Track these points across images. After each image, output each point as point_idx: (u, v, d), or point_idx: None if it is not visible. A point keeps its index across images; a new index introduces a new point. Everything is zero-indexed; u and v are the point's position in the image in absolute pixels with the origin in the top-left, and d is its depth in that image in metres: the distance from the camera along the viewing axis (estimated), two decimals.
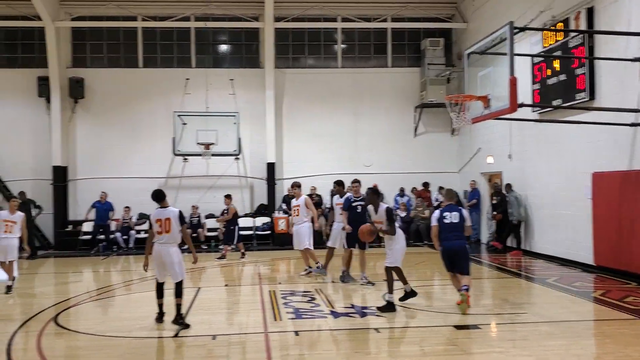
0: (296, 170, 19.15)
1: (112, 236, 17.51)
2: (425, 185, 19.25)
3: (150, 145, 18.94)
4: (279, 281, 11.80)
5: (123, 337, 7.51)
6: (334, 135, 19.58)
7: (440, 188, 18.43)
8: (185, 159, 18.58)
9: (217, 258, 15.11)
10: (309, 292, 10.33)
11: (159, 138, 18.64)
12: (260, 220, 18.43)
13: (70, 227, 18.42)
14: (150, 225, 8.27)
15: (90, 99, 19.01)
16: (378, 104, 19.81)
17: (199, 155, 17.82)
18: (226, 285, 11.71)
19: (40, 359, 6.51)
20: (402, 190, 19.19)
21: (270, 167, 18.95)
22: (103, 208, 17.23)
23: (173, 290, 8.08)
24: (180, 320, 7.89)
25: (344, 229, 11.16)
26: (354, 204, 11.24)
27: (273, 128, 18.95)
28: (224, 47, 20.13)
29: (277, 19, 18.83)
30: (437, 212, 9.13)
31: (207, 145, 17.69)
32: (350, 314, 8.48)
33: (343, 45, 20.26)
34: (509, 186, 15.50)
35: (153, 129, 18.93)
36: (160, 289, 8.31)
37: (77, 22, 18.84)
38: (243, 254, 15.41)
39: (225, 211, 15.64)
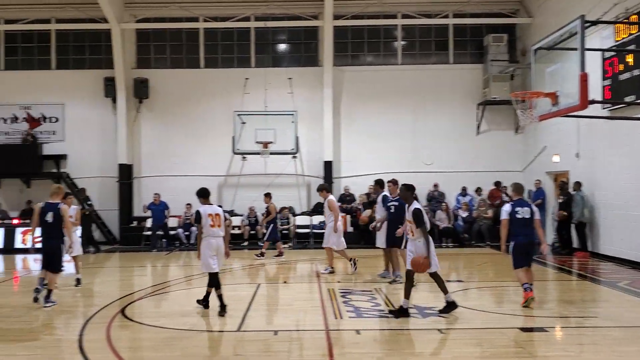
0: (354, 169, 19.09)
1: (173, 232, 17.92)
2: (498, 184, 18.71)
3: (211, 144, 19.27)
4: (338, 280, 11.74)
5: (186, 330, 7.63)
6: (393, 134, 19.37)
7: (497, 184, 18.13)
8: (244, 157, 18.81)
9: (257, 255, 14.83)
10: (369, 291, 10.22)
11: (219, 137, 18.95)
12: (317, 219, 18.42)
13: (134, 223, 18.96)
14: (199, 220, 8.54)
15: (154, 99, 19.52)
16: (439, 101, 19.48)
17: (258, 153, 18.00)
18: (284, 283, 11.75)
19: (110, 349, 6.68)
20: (464, 189, 18.80)
21: (328, 165, 18.94)
22: (158, 209, 17.61)
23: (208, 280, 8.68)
24: (203, 303, 8.72)
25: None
26: (389, 204, 11.05)
27: (331, 126, 18.94)
28: (283, 46, 20.28)
29: (336, 17, 18.78)
30: (507, 206, 8.98)
31: (266, 144, 17.85)
32: (412, 314, 8.32)
33: (403, 42, 20.03)
34: (577, 184, 14.92)
35: (213, 128, 19.26)
36: (217, 279, 8.63)
37: (142, 24, 19.38)
38: (280, 253, 15.08)
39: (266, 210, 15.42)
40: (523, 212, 8.74)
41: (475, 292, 10.53)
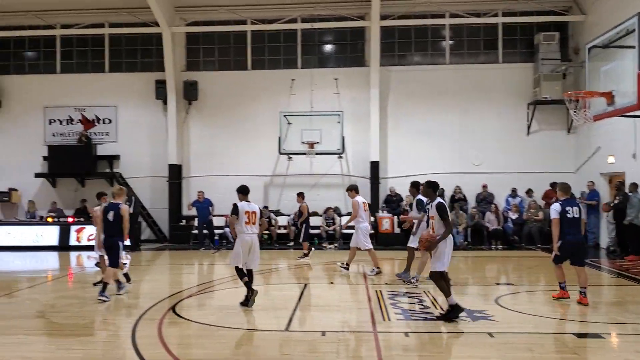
0: (400, 170, 18.96)
1: (221, 231, 18.18)
2: (554, 185, 18.24)
3: (257, 145, 19.49)
4: (385, 281, 11.67)
5: (234, 328, 7.73)
6: (441, 134, 19.18)
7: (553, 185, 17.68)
8: (290, 157, 18.94)
9: (299, 257, 14.93)
10: (417, 293, 10.12)
11: (266, 137, 19.13)
12: None
13: (183, 222, 19.34)
14: (235, 212, 8.93)
15: (202, 100, 19.87)
16: (488, 100, 19.16)
17: (303, 154, 18.10)
18: (331, 283, 11.76)
19: (161, 345, 6.83)
20: (514, 190, 18.42)
21: (374, 165, 18.86)
22: (203, 206, 17.86)
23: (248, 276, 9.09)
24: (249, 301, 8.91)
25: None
26: (427, 206, 10.90)
27: (377, 126, 18.86)
28: (329, 47, 20.31)
29: (383, 17, 18.70)
30: (557, 205, 8.98)
31: (311, 144, 17.93)
32: (461, 317, 8.18)
33: (451, 42, 19.78)
34: (634, 186, 14.38)
35: (260, 129, 19.46)
36: (242, 273, 9.06)
37: (191, 28, 19.75)
38: (306, 254, 14.96)
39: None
40: (573, 212, 8.85)
41: (525, 295, 10.30)
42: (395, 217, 18.14)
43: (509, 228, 17.57)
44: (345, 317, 8.61)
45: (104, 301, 9.30)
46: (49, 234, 17.90)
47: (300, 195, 15.44)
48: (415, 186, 11.48)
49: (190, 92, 19.59)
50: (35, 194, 19.47)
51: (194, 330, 7.77)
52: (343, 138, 18.24)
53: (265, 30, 19.72)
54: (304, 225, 15.18)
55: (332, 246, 17.38)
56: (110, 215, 9.77)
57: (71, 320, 8.28)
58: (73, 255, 16.89)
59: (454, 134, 19.25)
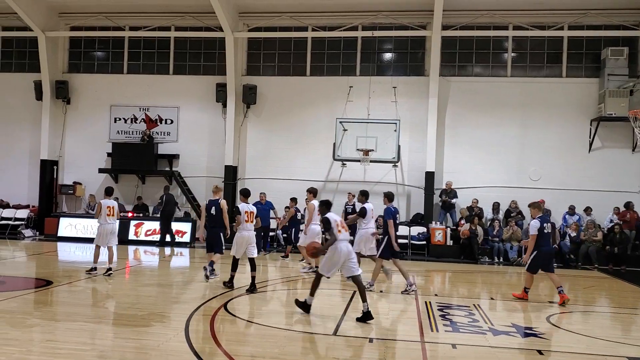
0: (456, 181, 18.72)
1: (272, 234, 18.39)
2: (630, 205, 17.63)
3: (312, 150, 19.66)
4: (435, 292, 11.57)
5: (283, 329, 7.86)
6: (499, 147, 18.86)
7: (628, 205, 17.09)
8: (344, 164, 19.01)
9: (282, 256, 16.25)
10: (467, 306, 10.00)
11: (321, 143, 19.30)
12: (416, 230, 18.25)
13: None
14: (239, 213, 10.30)
15: (260, 104, 20.22)
16: (549, 115, 18.72)
17: (358, 161, 18.13)
18: (380, 292, 11.74)
19: (213, 340, 7.02)
20: (572, 208, 17.88)
21: (429, 176, 18.70)
22: (264, 208, 17.91)
23: (249, 265, 10.44)
24: (254, 290, 10.30)
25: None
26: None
27: (434, 136, 18.70)
28: (388, 55, 20.30)
29: (445, 27, 18.58)
30: (537, 222, 10.30)
31: (366, 152, 17.94)
32: (511, 333, 8.06)
33: (513, 54, 19.43)
34: None
35: (315, 134, 19.64)
36: (236, 263, 10.58)
37: (254, 33, 20.15)
38: (287, 255, 16.24)
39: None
40: (547, 227, 10.42)
41: (579, 315, 10.00)
42: (448, 228, 17.96)
43: (565, 246, 17.08)
44: (393, 325, 8.62)
45: (214, 278, 11.43)
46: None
47: (293, 200, 16.45)
48: (364, 194, 12.01)
49: (249, 96, 19.98)
50: (98, 189, 20.22)
51: (244, 328, 7.95)
52: (399, 147, 18.19)
53: (326, 37, 19.91)
54: (292, 230, 16.21)
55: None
56: (213, 210, 11.44)
57: (129, 311, 8.61)
58: (131, 249, 17.48)
59: (512, 147, 18.90)
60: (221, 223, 11.41)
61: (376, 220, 13.18)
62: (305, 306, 8.76)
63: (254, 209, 10.57)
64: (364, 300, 8.43)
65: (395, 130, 18.06)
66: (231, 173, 19.97)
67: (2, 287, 10.54)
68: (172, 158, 20.47)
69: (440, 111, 18.92)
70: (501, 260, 17.06)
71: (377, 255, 11.36)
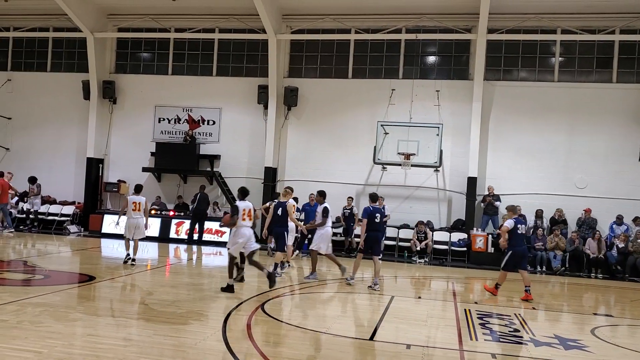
0: (499, 187, 18.33)
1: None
2: None
3: (353, 153, 19.58)
4: (475, 300, 11.34)
5: (320, 332, 7.80)
6: (544, 153, 18.40)
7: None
8: (384, 167, 18.86)
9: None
10: (508, 315, 9.75)
11: (361, 146, 19.20)
12: (457, 236, 17.95)
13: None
14: (236, 212, 10.63)
15: (301, 107, 20.26)
16: (597, 121, 18.17)
17: (399, 165, 17.96)
18: (419, 298, 11.59)
19: (249, 341, 7.02)
20: (620, 218, 17.27)
21: (471, 181, 18.37)
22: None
23: (247, 257, 10.74)
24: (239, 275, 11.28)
25: None
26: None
27: (477, 141, 18.38)
28: (432, 59, 20.06)
29: (491, 31, 18.25)
30: (511, 222, 11.17)
31: (408, 156, 17.76)
32: (554, 345, 7.80)
33: (561, 58, 18.94)
34: None
35: (356, 137, 19.56)
36: (234, 259, 10.81)
37: (296, 35, 20.22)
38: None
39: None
40: (521, 228, 11.39)
41: (626, 329, 9.65)
42: (490, 235, 17.61)
43: (612, 257, 16.51)
44: (432, 332, 8.46)
45: (281, 274, 12.34)
46: (151, 226, 18.86)
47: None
48: (322, 195, 12.99)
49: (290, 98, 20.04)
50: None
51: (281, 329, 7.93)
52: (441, 151, 17.92)
53: (369, 40, 19.82)
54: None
55: (422, 260, 17.11)
56: (280, 211, 12.44)
57: (168, 309, 8.70)
58: (172, 247, 17.73)
59: (558, 154, 18.41)
60: (286, 223, 12.47)
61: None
62: (229, 288, 10.28)
63: (251, 206, 11.10)
64: (254, 267, 10.58)
65: (437, 135, 17.82)
66: (271, 174, 20.06)
67: (47, 281, 10.82)
68: (213, 158, 20.70)
69: (484, 116, 18.58)
70: (544, 269, 16.61)
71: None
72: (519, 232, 11.29)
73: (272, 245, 15.87)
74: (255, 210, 11.48)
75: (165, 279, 12.16)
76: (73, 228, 20.09)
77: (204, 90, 21.09)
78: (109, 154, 21.72)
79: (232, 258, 10.58)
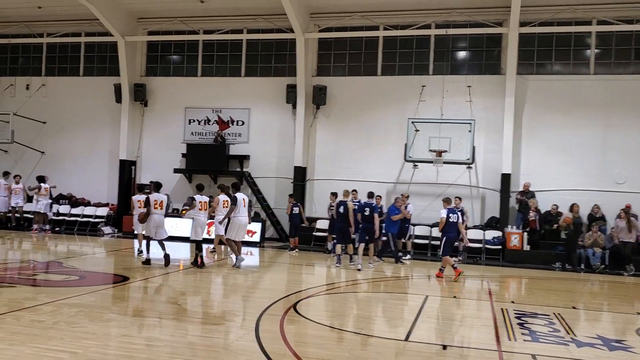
0: (534, 184, 17.92)
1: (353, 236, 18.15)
2: None
3: (383, 151, 19.39)
4: (511, 299, 11.06)
5: (353, 332, 7.68)
6: (580, 148, 17.91)
7: None
8: (416, 165, 18.60)
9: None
10: (547, 315, 9.47)
11: (391, 144, 18.99)
12: (491, 234, 17.61)
13: (306, 224, 19.60)
14: (235, 202, 12.98)
15: (330, 105, 20.14)
16: (635, 114, 17.60)
17: (430, 162, 17.69)
18: (454, 297, 11.36)
19: (282, 341, 6.94)
20: None
21: (505, 178, 18.00)
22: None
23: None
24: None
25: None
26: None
27: (510, 137, 17.99)
28: (462, 54, 19.72)
29: (523, 24, 17.85)
30: (444, 211, 12.76)
31: (439, 153, 17.48)
32: (597, 345, 7.52)
33: (597, 50, 18.41)
34: None
35: (386, 135, 19.35)
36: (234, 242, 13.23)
37: (324, 33, 20.11)
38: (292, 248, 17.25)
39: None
40: (454, 217, 12.94)
41: None
42: (525, 232, 17.22)
43: None
44: (468, 332, 8.26)
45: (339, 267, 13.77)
46: (183, 226, 18.96)
47: (334, 195, 17.06)
48: (235, 186, 14.09)
49: (319, 96, 19.94)
50: (173, 188, 20.72)
51: (314, 330, 7.82)
52: (473, 148, 17.58)
53: (398, 36, 19.60)
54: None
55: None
56: (342, 209, 14.04)
57: (200, 309, 8.69)
58: (203, 247, 17.75)
59: (594, 149, 17.90)
60: (347, 220, 13.91)
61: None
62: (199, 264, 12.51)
63: (246, 197, 13.52)
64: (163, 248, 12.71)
65: (469, 131, 17.47)
66: (300, 174, 20.00)
67: (82, 282, 10.93)
68: (242, 159, 20.73)
69: (517, 111, 18.19)
70: (582, 266, 16.16)
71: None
72: (451, 220, 12.86)
73: (330, 245, 16.62)
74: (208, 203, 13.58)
75: (197, 279, 12.16)
76: (107, 229, 20.34)
77: (232, 91, 21.14)
78: (141, 155, 21.95)
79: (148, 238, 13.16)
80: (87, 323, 7.30)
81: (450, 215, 12.89)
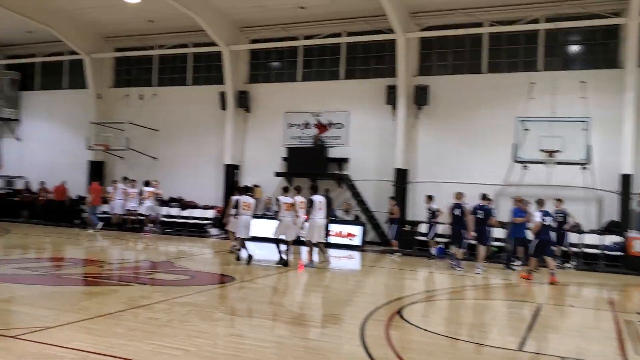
0: None
1: (444, 240, 17.59)
2: None
3: (489, 151, 18.61)
4: (637, 310, 10.17)
5: (462, 340, 7.35)
6: None
7: None
8: (525, 166, 17.64)
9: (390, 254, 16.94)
10: None
11: (499, 144, 18.17)
12: (609, 239, 16.35)
13: (408, 227, 19.23)
14: (236, 206, 13.89)
15: (433, 105, 19.64)
16: None
17: (541, 162, 16.73)
18: (571, 306, 10.63)
19: (389, 346, 6.74)
20: None
21: (626, 179, 16.66)
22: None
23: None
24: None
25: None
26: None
27: (631, 135, 16.62)
28: (575, 48, 18.54)
29: None
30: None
31: (551, 153, 16.50)
32: None
33: None
34: None
35: (493, 135, 18.56)
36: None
37: (426, 32, 19.67)
38: (394, 251, 16.97)
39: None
40: (548, 220, 12.79)
41: None
42: None
43: None
44: (588, 344, 7.64)
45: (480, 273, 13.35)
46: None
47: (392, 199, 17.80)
48: (313, 188, 14.50)
49: (421, 97, 19.52)
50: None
51: (420, 336, 7.55)
52: (589, 147, 16.42)
53: (504, 32, 18.77)
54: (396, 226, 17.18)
55: (569, 265, 15.75)
56: (457, 212, 14.06)
57: (304, 311, 8.69)
58: (304, 249, 17.91)
59: None
60: (462, 222, 13.96)
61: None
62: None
63: (251, 200, 14.19)
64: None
65: (584, 129, 16.34)
66: (401, 176, 19.66)
67: (192, 281, 11.32)
68: (341, 161, 20.72)
69: (638, 106, 16.80)
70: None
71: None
72: (545, 223, 12.63)
73: (434, 250, 16.74)
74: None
75: (301, 281, 12.23)
76: (214, 231, 21.06)
77: (331, 94, 21.20)
78: (244, 160, 22.56)
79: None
80: (198, 322, 7.49)
81: (545, 218, 12.65)
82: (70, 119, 25.33)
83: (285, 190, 14.46)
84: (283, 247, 13.78)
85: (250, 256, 13.42)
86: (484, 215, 14.03)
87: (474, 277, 13.07)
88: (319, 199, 13.93)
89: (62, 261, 13.96)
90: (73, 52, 24.25)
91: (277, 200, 14.04)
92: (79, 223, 22.43)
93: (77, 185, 23.65)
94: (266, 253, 14.39)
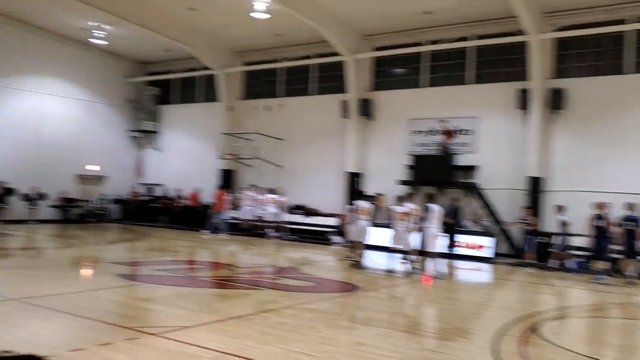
0: None
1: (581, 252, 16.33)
2: None
3: (636, 158, 17.07)
4: None
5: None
6: None
7: None
8: None
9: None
10: None
11: None
12: None
13: (546, 239, 17.97)
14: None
15: (570, 109, 18.36)
16: None
17: None
18: None
19: None
20: None
21: None
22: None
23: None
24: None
25: None
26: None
27: None
28: None
29: None
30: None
31: None
32: None
33: None
34: None
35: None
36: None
37: (561, 32, 18.51)
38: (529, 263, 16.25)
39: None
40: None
41: None
42: None
43: None
44: None
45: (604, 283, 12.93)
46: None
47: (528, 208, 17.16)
48: (430, 196, 14.32)
49: (556, 100, 18.32)
50: (397, 200, 20.83)
51: (559, 355, 7.00)
52: None
53: None
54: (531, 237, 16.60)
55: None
56: (599, 223, 13.50)
57: (432, 323, 8.42)
58: (428, 260, 17.48)
59: None
60: (605, 234, 13.44)
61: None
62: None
63: (368, 205, 14.66)
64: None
65: None
66: (534, 185, 18.58)
67: (317, 288, 11.42)
68: (468, 169, 19.99)
69: None
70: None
71: None
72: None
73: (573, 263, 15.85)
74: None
75: (429, 292, 11.90)
76: (336, 238, 21.21)
77: (457, 100, 20.58)
78: (367, 167, 22.55)
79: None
80: (324, 328, 7.50)
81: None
82: (203, 130, 26.88)
83: (400, 200, 14.53)
84: (401, 256, 13.55)
85: (358, 262, 14.06)
86: (634, 227, 12.87)
87: (619, 294, 11.98)
88: (435, 209, 13.67)
89: (195, 264, 14.75)
90: (206, 68, 25.74)
91: (389, 209, 14.40)
92: (200, 227, 23.23)
93: (210, 192, 25.02)
94: (388, 262, 14.17)
